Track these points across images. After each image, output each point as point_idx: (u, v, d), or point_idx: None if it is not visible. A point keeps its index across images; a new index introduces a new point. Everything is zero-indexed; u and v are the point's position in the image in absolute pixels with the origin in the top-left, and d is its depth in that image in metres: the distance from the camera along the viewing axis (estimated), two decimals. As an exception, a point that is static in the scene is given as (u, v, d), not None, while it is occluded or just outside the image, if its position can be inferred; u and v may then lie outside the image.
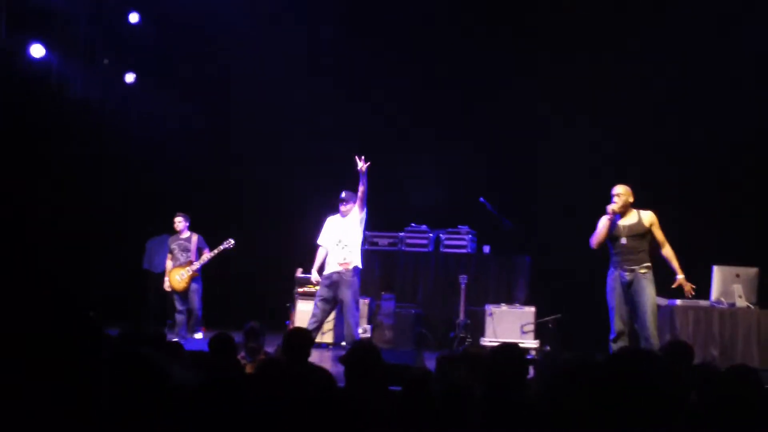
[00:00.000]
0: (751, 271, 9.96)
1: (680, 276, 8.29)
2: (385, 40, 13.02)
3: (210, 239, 12.57)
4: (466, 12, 12.75)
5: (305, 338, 5.24)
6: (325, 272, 9.22)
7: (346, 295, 8.97)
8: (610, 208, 8.37)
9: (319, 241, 9.52)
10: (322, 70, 13.30)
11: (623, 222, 8.39)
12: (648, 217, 8.40)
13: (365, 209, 9.20)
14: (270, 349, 6.66)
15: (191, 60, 13.08)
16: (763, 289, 9.95)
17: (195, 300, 10.72)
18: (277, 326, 10.58)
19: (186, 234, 10.96)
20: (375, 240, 12.36)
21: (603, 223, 8.45)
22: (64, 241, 12.16)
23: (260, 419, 2.79)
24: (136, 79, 12.79)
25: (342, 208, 9.30)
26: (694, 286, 8.27)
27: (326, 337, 10.90)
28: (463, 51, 12.96)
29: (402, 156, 13.06)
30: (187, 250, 10.82)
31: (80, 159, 12.98)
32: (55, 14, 11.53)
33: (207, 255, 10.76)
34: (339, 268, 9.08)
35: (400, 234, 12.37)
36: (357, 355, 4.44)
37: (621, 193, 8.42)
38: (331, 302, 9.10)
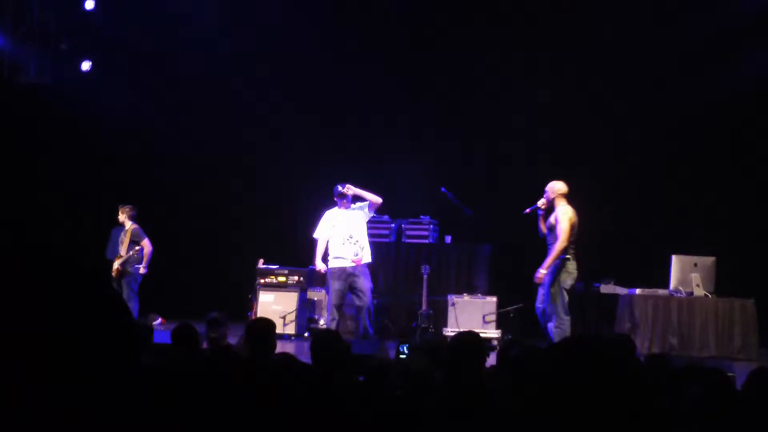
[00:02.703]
0: (709, 261, 10.12)
1: (542, 270, 8.51)
2: (359, 37, 12.96)
3: (169, 229, 12.47)
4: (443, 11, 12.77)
5: (267, 328, 5.20)
6: (337, 265, 9.31)
7: (364, 284, 9.20)
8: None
9: (316, 235, 9.60)
10: (289, 58, 13.19)
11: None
12: (558, 211, 8.58)
13: (373, 212, 9.56)
14: (233, 340, 6.61)
15: (153, 45, 12.85)
16: (720, 278, 10.11)
17: (125, 292, 10.68)
18: (239, 317, 10.49)
19: (127, 225, 10.96)
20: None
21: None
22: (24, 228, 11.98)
23: (219, 406, 2.77)
24: (92, 66, 12.58)
25: (341, 201, 9.42)
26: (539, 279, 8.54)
27: (288, 328, 10.86)
28: (436, 49, 12.99)
29: (366, 145, 13.04)
30: (120, 242, 10.82)
31: (32, 146, 12.79)
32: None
33: (131, 253, 10.77)
34: (352, 264, 9.25)
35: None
36: (323, 344, 4.42)
37: (547, 189, 8.74)
38: (345, 294, 9.31)
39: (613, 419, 2.09)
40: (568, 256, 8.52)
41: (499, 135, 12.90)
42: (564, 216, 8.49)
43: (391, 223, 12.28)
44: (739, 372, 5.60)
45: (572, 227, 8.48)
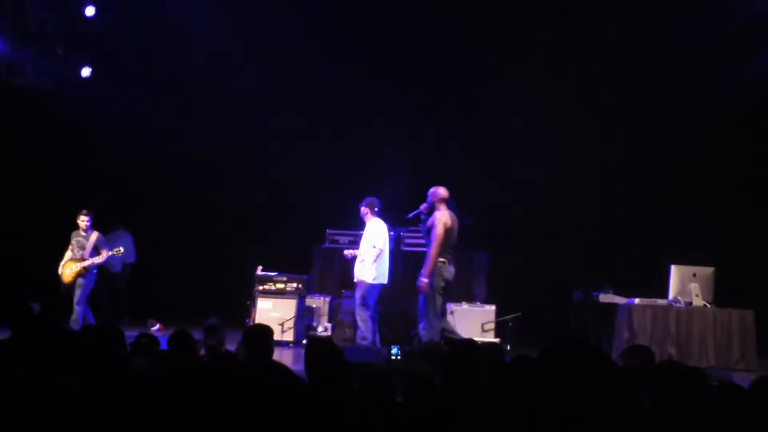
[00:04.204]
0: (708, 271, 10.10)
1: (423, 279, 8.77)
2: (358, 38, 12.93)
3: (167, 235, 12.38)
4: (444, 10, 12.73)
5: (265, 334, 5.19)
6: None
7: (356, 295, 9.69)
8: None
9: None
10: (290, 66, 13.17)
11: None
12: (435, 215, 8.89)
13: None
14: (231, 346, 6.58)
15: (153, 51, 12.84)
16: (720, 288, 10.09)
17: (78, 295, 10.47)
18: (237, 324, 10.47)
19: (89, 231, 10.71)
20: (335, 238, 12.29)
21: None
22: (10, 233, 11.96)
23: (217, 412, 2.76)
24: (92, 72, 12.58)
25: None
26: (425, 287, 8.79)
27: (287, 335, 10.83)
28: (435, 50, 12.94)
29: (364, 152, 13.03)
30: (83, 247, 10.60)
31: (32, 150, 12.78)
32: (7, 2, 11.30)
33: (96, 259, 10.58)
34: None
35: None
36: (317, 352, 4.40)
37: (429, 194, 9.07)
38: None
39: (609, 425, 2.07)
40: (443, 260, 8.78)
41: (499, 144, 12.87)
42: (438, 222, 8.78)
43: (390, 230, 12.25)
44: (739, 382, 5.58)
45: (446, 232, 8.75)
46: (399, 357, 6.15)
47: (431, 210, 9.01)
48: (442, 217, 8.77)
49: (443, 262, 8.78)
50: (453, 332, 9.07)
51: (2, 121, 12.40)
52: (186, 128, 13.48)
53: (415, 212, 9.27)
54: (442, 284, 8.81)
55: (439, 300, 8.78)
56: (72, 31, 12.18)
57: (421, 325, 8.81)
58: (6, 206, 12.71)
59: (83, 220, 10.69)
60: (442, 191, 8.98)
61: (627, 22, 11.82)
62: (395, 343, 10.59)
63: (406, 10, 12.68)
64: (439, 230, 8.71)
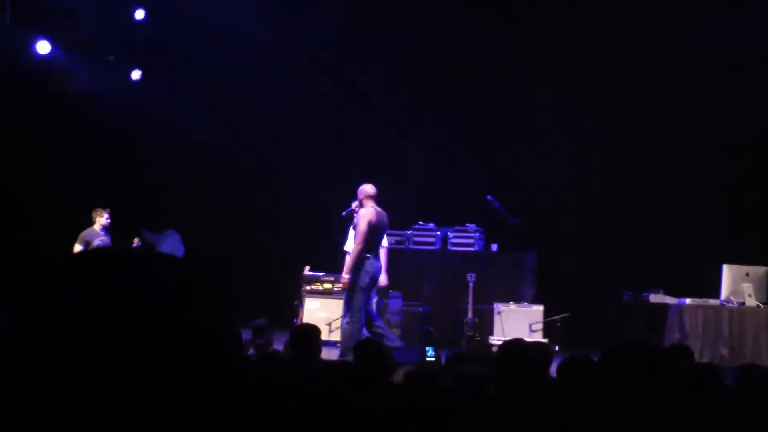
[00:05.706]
0: (761, 270, 9.93)
1: (345, 275, 8.82)
2: (386, 27, 12.90)
3: (211, 236, 12.48)
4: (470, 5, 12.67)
5: (313, 334, 5.22)
6: None
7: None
8: None
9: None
10: (324, 69, 13.24)
11: None
12: (359, 212, 8.93)
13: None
14: (279, 346, 6.64)
15: (198, 58, 13.00)
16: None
17: None
18: (285, 325, 10.54)
19: (104, 231, 10.57)
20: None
21: None
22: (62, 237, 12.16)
23: (264, 411, 2.78)
24: (142, 75, 12.77)
25: None
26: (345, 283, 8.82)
27: (334, 335, 10.87)
28: (466, 43, 12.87)
29: (407, 152, 13.02)
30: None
31: (82, 155, 12.99)
32: (60, 9, 11.50)
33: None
34: None
35: (408, 232, 12.31)
36: (366, 352, 4.42)
37: (358, 191, 9.08)
38: None
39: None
40: (368, 255, 8.77)
41: (545, 145, 12.78)
42: (362, 218, 8.80)
43: (437, 230, 12.25)
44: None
45: (370, 229, 8.75)
46: (434, 359, 6.13)
47: (361, 207, 9.10)
48: (367, 214, 8.81)
49: (367, 258, 8.79)
50: (383, 329, 8.98)
51: (54, 125, 12.61)
52: (233, 128, 13.60)
53: (347, 210, 9.40)
54: (367, 280, 8.80)
55: (362, 295, 8.77)
56: (123, 36, 12.36)
57: (344, 320, 8.88)
58: (59, 209, 12.91)
59: (105, 218, 10.55)
60: (368, 188, 9.02)
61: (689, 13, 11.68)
62: (445, 345, 10.62)
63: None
64: (362, 227, 8.76)
